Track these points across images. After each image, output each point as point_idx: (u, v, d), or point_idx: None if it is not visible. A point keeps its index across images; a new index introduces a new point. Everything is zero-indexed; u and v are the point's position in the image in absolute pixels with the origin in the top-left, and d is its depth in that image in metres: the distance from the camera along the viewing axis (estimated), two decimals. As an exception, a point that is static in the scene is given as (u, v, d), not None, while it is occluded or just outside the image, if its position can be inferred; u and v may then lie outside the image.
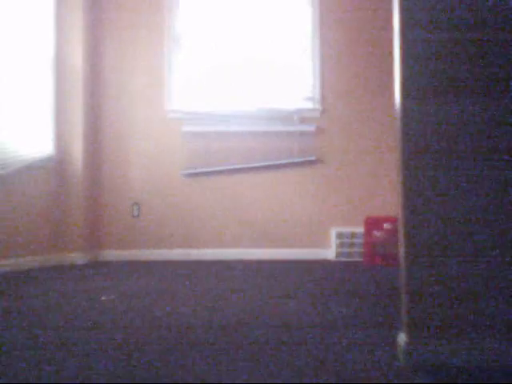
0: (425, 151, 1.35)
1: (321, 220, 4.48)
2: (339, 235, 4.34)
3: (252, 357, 1.43)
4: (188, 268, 3.67)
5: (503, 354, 1.30)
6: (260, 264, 3.95)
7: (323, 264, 4.00)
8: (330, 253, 4.40)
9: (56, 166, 4.21)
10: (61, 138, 4.27)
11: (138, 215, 4.52)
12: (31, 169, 3.93)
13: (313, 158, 4.50)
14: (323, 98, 4.56)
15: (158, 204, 4.48)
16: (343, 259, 4.30)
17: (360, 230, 4.25)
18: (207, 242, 4.45)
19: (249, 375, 1.27)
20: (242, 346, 1.55)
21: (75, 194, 4.26)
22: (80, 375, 1.28)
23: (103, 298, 2.38)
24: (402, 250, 1.39)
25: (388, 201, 4.35)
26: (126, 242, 4.51)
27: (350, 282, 3.03)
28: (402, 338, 1.37)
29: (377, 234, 4.02)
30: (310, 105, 4.57)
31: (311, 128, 4.50)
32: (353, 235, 4.33)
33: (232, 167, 4.48)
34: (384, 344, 1.53)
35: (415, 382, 1.21)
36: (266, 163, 4.49)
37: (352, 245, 4.33)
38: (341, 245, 4.33)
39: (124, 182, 4.54)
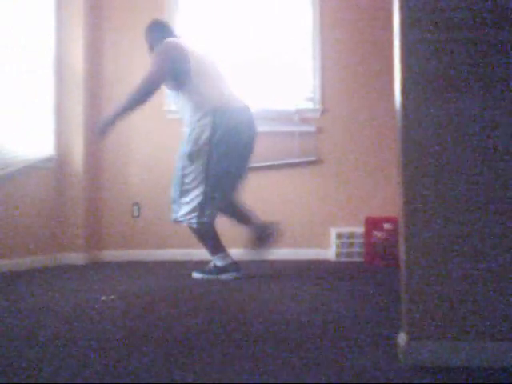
0: (425, 151, 1.35)
1: (321, 220, 4.48)
2: (339, 235, 4.34)
3: (252, 356, 1.43)
4: (188, 268, 3.67)
5: (503, 353, 1.30)
6: (260, 264, 3.95)
7: (323, 264, 4.00)
8: (329, 253, 4.40)
9: (56, 166, 4.22)
10: (61, 139, 4.27)
11: (138, 215, 4.52)
12: (31, 169, 3.93)
13: (313, 158, 4.50)
14: (323, 98, 4.56)
15: (158, 204, 4.47)
16: (343, 259, 4.30)
17: (360, 230, 4.25)
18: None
19: (249, 375, 1.27)
20: (241, 345, 1.55)
21: (75, 195, 4.26)
22: (80, 375, 1.28)
23: (103, 298, 2.38)
24: (402, 250, 1.39)
25: (388, 201, 4.36)
26: (126, 242, 4.51)
27: (350, 281, 3.03)
28: (402, 337, 1.37)
29: (377, 234, 4.01)
30: (310, 105, 4.57)
31: (311, 128, 4.50)
32: (353, 235, 4.33)
33: (232, 167, 4.47)
34: (384, 344, 1.53)
35: (415, 382, 1.21)
36: (266, 163, 4.49)
37: (352, 245, 4.33)
38: (341, 245, 4.33)
39: (124, 182, 4.54)
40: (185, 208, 3.03)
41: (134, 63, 4.57)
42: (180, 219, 3.06)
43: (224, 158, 3.00)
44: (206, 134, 2.97)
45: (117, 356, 1.45)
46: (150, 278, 3.17)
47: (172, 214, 3.11)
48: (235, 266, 3.15)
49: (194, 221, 3.03)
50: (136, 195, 4.52)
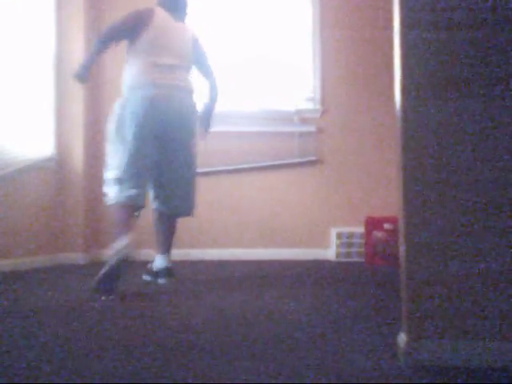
0: (425, 151, 1.35)
1: (321, 220, 4.48)
2: (339, 235, 4.34)
3: (252, 357, 1.43)
4: (187, 268, 3.67)
5: (503, 353, 1.30)
6: (260, 264, 3.95)
7: (323, 264, 4.00)
8: (330, 253, 4.40)
9: (56, 166, 4.21)
10: (61, 139, 4.26)
11: (138, 215, 4.51)
12: (31, 169, 3.93)
13: (313, 159, 4.50)
14: (323, 99, 4.56)
15: (158, 204, 4.47)
16: (343, 259, 4.30)
17: (360, 230, 4.25)
18: (207, 242, 4.45)
19: (249, 375, 1.27)
20: (242, 345, 1.55)
21: (75, 194, 4.26)
22: (80, 375, 1.28)
23: (103, 298, 2.38)
24: (402, 250, 1.39)
25: (388, 201, 4.35)
26: (126, 242, 4.50)
27: (351, 282, 3.03)
28: (402, 337, 1.37)
29: (377, 234, 4.01)
30: (310, 105, 4.57)
31: (311, 128, 4.50)
32: (353, 235, 4.33)
33: (232, 167, 4.48)
34: (384, 344, 1.53)
35: (415, 382, 1.21)
36: (266, 163, 4.49)
37: (352, 245, 4.33)
38: (341, 245, 4.33)
39: (124, 182, 4.53)
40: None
41: (134, 63, 4.56)
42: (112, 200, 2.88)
43: (133, 141, 2.84)
44: (119, 110, 2.92)
45: (117, 356, 1.45)
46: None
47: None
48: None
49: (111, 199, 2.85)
50: (136, 195, 4.51)
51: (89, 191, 4.37)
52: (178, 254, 4.44)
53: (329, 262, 4.23)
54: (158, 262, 3.01)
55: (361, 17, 4.56)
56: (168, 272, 2.96)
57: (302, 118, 4.54)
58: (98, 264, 4.14)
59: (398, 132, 1.40)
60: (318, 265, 3.94)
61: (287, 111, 4.52)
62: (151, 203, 3.09)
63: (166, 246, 3.04)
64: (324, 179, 4.52)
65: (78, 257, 4.20)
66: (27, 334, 1.71)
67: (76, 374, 1.29)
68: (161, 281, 2.94)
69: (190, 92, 2.99)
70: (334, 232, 4.36)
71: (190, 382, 1.23)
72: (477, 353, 1.30)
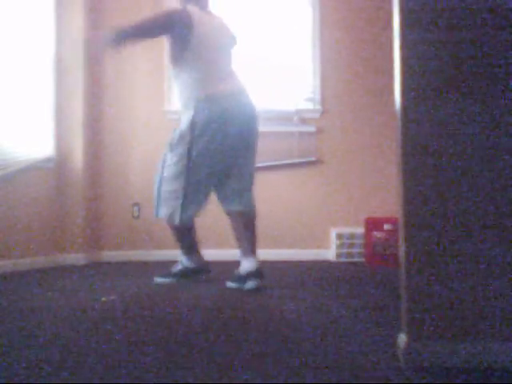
0: (425, 151, 1.35)
1: (321, 220, 4.48)
2: (339, 236, 4.34)
3: (252, 357, 1.43)
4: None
5: (503, 354, 1.30)
6: (260, 264, 3.94)
7: (323, 264, 4.00)
8: (330, 253, 4.40)
9: (56, 166, 4.21)
10: (61, 139, 4.26)
11: (139, 216, 4.52)
12: (31, 169, 3.93)
13: (313, 159, 4.50)
14: (323, 99, 4.56)
15: (158, 204, 4.47)
16: (343, 260, 4.30)
17: (360, 230, 4.25)
18: (207, 242, 4.44)
19: (249, 375, 1.27)
20: (242, 345, 1.55)
21: (75, 195, 4.26)
22: (79, 375, 1.28)
23: (103, 299, 2.38)
24: (402, 250, 1.39)
25: (388, 201, 4.35)
26: (126, 242, 4.51)
27: (350, 282, 3.03)
28: (402, 338, 1.37)
29: (377, 234, 4.01)
30: (310, 105, 4.57)
31: (311, 128, 4.50)
32: (353, 236, 4.33)
33: (232, 167, 4.47)
34: (384, 344, 1.53)
35: (415, 382, 1.21)
36: (266, 164, 4.49)
37: (352, 245, 4.32)
38: (341, 245, 4.33)
39: (124, 182, 4.54)
40: (163, 204, 2.84)
41: (134, 63, 4.57)
42: (160, 216, 2.89)
43: (206, 154, 2.76)
44: (186, 125, 2.78)
45: (117, 356, 1.45)
46: (150, 278, 3.16)
47: (154, 210, 2.92)
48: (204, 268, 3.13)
49: (172, 219, 2.86)
50: (136, 195, 4.51)
51: (89, 191, 4.37)
52: (178, 254, 4.45)
53: (329, 262, 4.23)
54: (246, 265, 2.77)
55: (361, 17, 4.56)
56: (257, 274, 2.72)
57: (302, 118, 4.54)
58: (98, 264, 4.14)
59: (398, 132, 1.40)
60: (318, 265, 3.94)
61: (287, 111, 4.52)
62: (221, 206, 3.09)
63: (250, 247, 2.85)
64: (324, 179, 4.52)
65: (77, 257, 4.20)
66: (27, 334, 1.71)
67: (76, 374, 1.29)
68: (249, 285, 2.67)
69: (245, 93, 2.97)
70: (334, 232, 4.36)
71: (190, 381, 1.23)
72: (477, 353, 1.30)
